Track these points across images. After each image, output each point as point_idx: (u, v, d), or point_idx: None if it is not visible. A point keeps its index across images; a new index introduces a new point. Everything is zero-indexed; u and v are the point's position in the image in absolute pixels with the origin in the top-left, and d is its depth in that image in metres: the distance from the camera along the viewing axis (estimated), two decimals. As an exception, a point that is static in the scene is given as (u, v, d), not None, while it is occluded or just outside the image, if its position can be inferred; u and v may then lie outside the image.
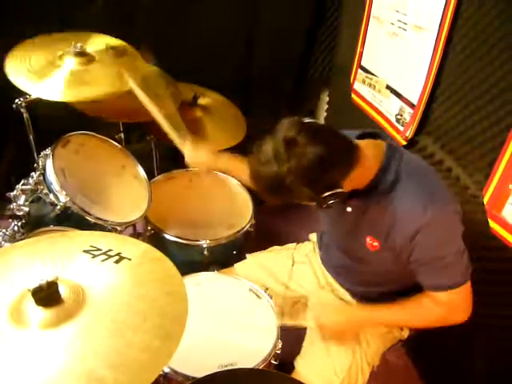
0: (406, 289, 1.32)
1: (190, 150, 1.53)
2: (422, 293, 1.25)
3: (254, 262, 1.65)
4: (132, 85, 1.55)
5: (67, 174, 1.52)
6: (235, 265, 1.66)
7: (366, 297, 1.43)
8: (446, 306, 1.19)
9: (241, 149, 2.01)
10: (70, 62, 1.54)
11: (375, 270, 1.33)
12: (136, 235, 2.05)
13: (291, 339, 1.39)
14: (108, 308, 0.75)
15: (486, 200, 1.47)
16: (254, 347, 1.30)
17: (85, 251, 0.86)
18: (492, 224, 1.46)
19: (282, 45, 2.37)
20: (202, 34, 2.21)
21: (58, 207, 1.40)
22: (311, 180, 1.01)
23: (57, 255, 0.84)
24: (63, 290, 0.76)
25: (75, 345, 0.70)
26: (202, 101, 2.06)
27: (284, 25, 2.30)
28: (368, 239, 1.24)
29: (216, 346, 1.31)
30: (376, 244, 1.22)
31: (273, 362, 1.29)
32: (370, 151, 1.13)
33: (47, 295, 0.72)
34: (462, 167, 1.59)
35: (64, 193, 1.41)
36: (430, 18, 1.61)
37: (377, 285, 1.39)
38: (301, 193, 1.02)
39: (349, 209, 1.27)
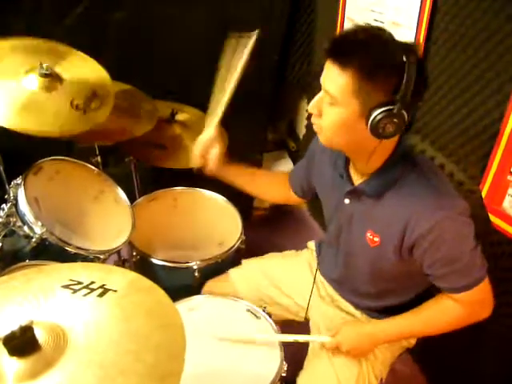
0: (407, 300, 1.27)
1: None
2: (438, 295, 1.19)
3: (250, 268, 1.58)
4: None
5: (41, 203, 1.42)
6: (230, 271, 1.59)
7: (369, 309, 1.36)
8: (468, 304, 1.13)
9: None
10: (33, 83, 1.41)
11: (374, 273, 1.24)
12: (121, 262, 1.94)
13: (292, 353, 1.31)
14: (94, 350, 0.65)
15: (484, 194, 1.42)
16: (259, 373, 1.21)
17: (64, 286, 0.77)
18: (493, 218, 1.41)
19: (257, 54, 2.32)
20: (176, 51, 2.15)
21: (34, 239, 1.29)
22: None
23: (32, 294, 0.75)
24: (40, 335, 0.65)
25: (58, 398, 0.60)
26: (180, 117, 1.99)
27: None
28: (368, 234, 1.17)
29: (217, 374, 1.22)
30: (377, 239, 1.15)
31: (279, 385, 1.21)
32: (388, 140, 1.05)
33: (22, 343, 0.62)
34: (454, 163, 1.55)
35: (39, 223, 1.31)
36: (407, 14, 1.58)
37: (377, 295, 1.32)
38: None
39: (346, 201, 1.21)
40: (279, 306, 1.50)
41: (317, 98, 1.05)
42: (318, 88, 1.06)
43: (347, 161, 1.20)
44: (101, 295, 0.75)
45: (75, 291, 0.76)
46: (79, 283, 0.78)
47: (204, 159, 1.37)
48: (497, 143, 1.35)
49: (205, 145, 1.36)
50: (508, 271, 1.43)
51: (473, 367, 1.68)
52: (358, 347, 1.25)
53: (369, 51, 0.95)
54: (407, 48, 0.96)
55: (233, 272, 1.58)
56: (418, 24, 1.53)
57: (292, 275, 1.52)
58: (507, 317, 1.45)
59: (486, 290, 1.13)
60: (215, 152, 1.36)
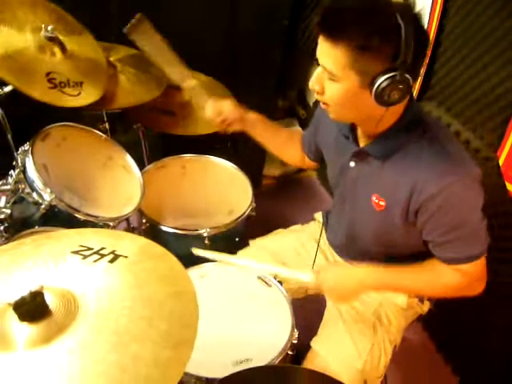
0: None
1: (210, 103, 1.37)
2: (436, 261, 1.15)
3: (258, 249, 1.55)
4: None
5: (50, 170, 1.40)
6: (238, 253, 1.56)
7: None
8: (464, 276, 1.11)
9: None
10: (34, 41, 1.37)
11: (379, 238, 1.22)
12: (131, 230, 1.94)
13: (306, 317, 1.32)
14: (106, 316, 0.64)
15: (501, 162, 1.38)
16: (269, 339, 1.21)
17: (74, 252, 0.75)
18: (510, 187, 1.38)
19: (267, 20, 2.25)
20: (184, 16, 2.09)
21: (43, 206, 1.28)
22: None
23: (42, 259, 0.73)
24: (51, 300, 0.64)
25: (71, 364, 0.59)
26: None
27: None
28: (374, 198, 1.14)
29: (228, 341, 1.21)
30: (383, 203, 1.12)
31: (289, 352, 1.20)
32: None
33: (32, 308, 0.61)
34: (471, 130, 1.51)
35: (48, 190, 1.29)
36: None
37: (382, 260, 1.28)
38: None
39: (352, 163, 1.18)
40: (288, 282, 1.48)
41: (315, 74, 1.01)
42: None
43: (352, 124, 1.17)
44: (112, 261, 0.74)
45: (85, 257, 0.74)
46: (89, 249, 0.76)
47: (221, 117, 1.36)
48: (516, 109, 1.31)
49: (214, 112, 1.34)
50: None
51: (480, 335, 1.69)
52: (340, 288, 1.20)
53: (359, 20, 0.90)
54: (401, 9, 0.90)
55: (241, 253, 1.55)
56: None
57: (298, 251, 1.51)
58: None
59: (482, 266, 1.11)
60: (228, 105, 1.34)
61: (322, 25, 0.94)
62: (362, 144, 1.15)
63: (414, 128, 1.06)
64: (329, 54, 0.94)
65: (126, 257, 0.75)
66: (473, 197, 1.04)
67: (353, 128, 1.17)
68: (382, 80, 0.92)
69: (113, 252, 0.76)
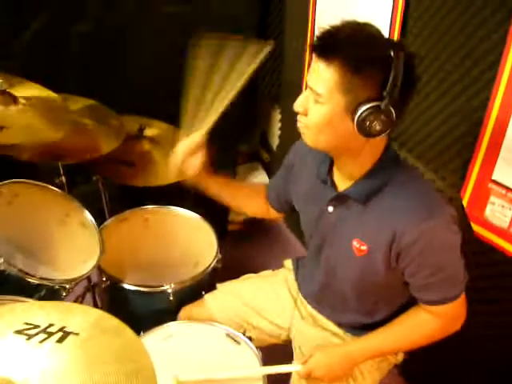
0: (391, 315, 1.23)
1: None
2: (413, 308, 1.16)
3: (226, 292, 1.50)
4: None
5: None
6: (205, 296, 1.51)
7: (352, 326, 1.30)
8: (444, 317, 1.12)
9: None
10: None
11: (359, 286, 1.19)
12: (91, 287, 1.84)
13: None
14: (51, 409, 0.57)
15: (465, 202, 1.39)
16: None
17: (17, 332, 0.67)
18: (475, 227, 1.38)
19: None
20: (142, 64, 2.09)
21: (-9, 272, 1.19)
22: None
23: (-20, 343, 0.65)
24: (-13, 394, 0.57)
25: None
26: (148, 132, 1.91)
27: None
28: (355, 242, 1.11)
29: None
30: (364, 248, 1.09)
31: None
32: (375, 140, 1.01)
33: (-37, 408, 0.54)
34: (433, 171, 1.52)
35: (-4, 254, 1.21)
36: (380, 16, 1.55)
37: (360, 310, 1.26)
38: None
39: (330, 209, 1.15)
40: (259, 330, 1.42)
41: (302, 95, 1.02)
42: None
43: (331, 167, 1.16)
44: (60, 340, 0.66)
45: (30, 337, 0.67)
46: (35, 327, 0.69)
47: (185, 166, 1.27)
48: (476, 151, 1.32)
49: (189, 150, 1.25)
50: (490, 279, 1.41)
51: (459, 377, 1.65)
52: (332, 371, 1.20)
53: (354, 45, 0.92)
54: (395, 43, 0.94)
55: (208, 297, 1.50)
56: (390, 23, 1.52)
57: (270, 297, 1.45)
58: (487, 326, 1.44)
59: (462, 303, 1.11)
60: (199, 159, 1.27)
61: (317, 45, 0.96)
62: (340, 188, 1.14)
63: (391, 169, 1.06)
64: (320, 75, 0.95)
65: (76, 334, 0.68)
66: (452, 238, 1.04)
67: (330, 173, 1.16)
68: (366, 107, 0.92)
69: (62, 329, 0.68)
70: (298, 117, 1.04)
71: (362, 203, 1.08)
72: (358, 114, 0.93)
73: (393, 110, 0.92)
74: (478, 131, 1.30)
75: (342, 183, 1.13)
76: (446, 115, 1.42)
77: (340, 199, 1.13)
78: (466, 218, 1.38)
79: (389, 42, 0.95)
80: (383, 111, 0.92)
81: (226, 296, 1.48)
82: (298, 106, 1.03)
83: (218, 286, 1.54)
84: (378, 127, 0.93)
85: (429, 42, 1.41)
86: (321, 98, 0.96)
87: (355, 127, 0.95)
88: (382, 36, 0.95)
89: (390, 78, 0.89)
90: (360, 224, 1.10)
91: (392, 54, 0.89)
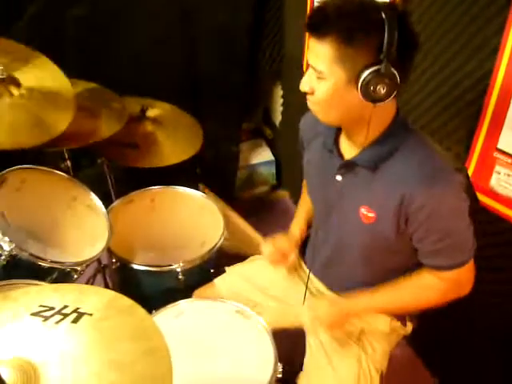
0: None
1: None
2: (419, 270, 1.15)
3: (235, 275, 1.51)
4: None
5: (9, 217, 1.32)
6: (215, 280, 1.52)
7: None
8: (452, 282, 1.11)
9: (200, 157, 1.88)
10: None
11: (366, 255, 1.20)
12: (102, 269, 1.87)
13: (290, 354, 1.27)
14: (71, 388, 0.59)
15: (470, 172, 1.39)
16: (253, 376, 1.17)
17: (33, 314, 0.69)
18: (480, 197, 1.38)
19: (227, 43, 2.25)
20: (141, 43, 2.08)
21: (3, 257, 1.21)
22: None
23: (-2, 327, 0.67)
24: (8, 375, 0.58)
25: None
26: (150, 113, 1.91)
27: (225, 22, 2.18)
28: (362, 210, 1.11)
29: (210, 381, 1.16)
30: (372, 215, 1.10)
31: (275, 387, 1.16)
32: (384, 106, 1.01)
33: (-14, 388, 0.55)
34: (437, 142, 1.50)
35: (7, 239, 1.22)
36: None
37: (366, 281, 1.25)
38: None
39: (338, 177, 1.16)
40: (269, 310, 1.44)
41: (305, 75, 1.03)
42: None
43: (337, 136, 1.16)
44: (75, 321, 0.68)
45: (46, 318, 0.68)
46: (51, 309, 0.71)
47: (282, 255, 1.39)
48: (481, 120, 1.31)
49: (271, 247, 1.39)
50: (496, 248, 1.41)
51: (466, 345, 1.67)
52: (333, 318, 1.22)
53: (343, 16, 0.92)
54: (385, 6, 0.93)
55: (218, 281, 1.51)
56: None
57: (278, 277, 1.46)
58: (493, 294, 1.45)
59: (470, 269, 1.11)
60: (283, 242, 1.41)
61: (309, 24, 0.97)
62: (347, 157, 1.14)
63: (400, 135, 1.06)
64: (317, 52, 0.96)
65: (90, 314, 0.70)
66: (460, 204, 1.04)
67: (336, 141, 1.16)
68: (366, 73, 0.93)
69: (76, 310, 0.70)
70: (307, 96, 1.05)
71: (370, 170, 1.08)
72: (361, 81, 0.94)
73: (395, 72, 0.92)
74: (483, 101, 1.28)
75: (350, 151, 1.13)
76: (451, 85, 1.40)
77: (348, 167, 1.13)
78: (471, 188, 1.38)
79: (379, 5, 0.93)
80: (385, 74, 0.92)
81: (235, 278, 1.50)
82: (303, 85, 1.03)
83: (227, 269, 1.55)
84: (382, 91, 0.94)
85: (431, 9, 1.39)
86: (322, 74, 0.97)
87: (360, 95, 0.95)
88: (371, 1, 0.95)
89: (385, 40, 0.90)
90: (368, 191, 1.10)
91: (383, 16, 0.89)
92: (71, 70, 1.59)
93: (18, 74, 1.44)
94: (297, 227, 1.46)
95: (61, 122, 1.41)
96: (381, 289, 1.18)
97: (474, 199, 1.37)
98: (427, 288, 1.15)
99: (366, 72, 0.93)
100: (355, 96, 0.96)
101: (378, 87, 0.93)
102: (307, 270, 1.43)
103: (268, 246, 1.39)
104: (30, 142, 1.34)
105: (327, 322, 1.22)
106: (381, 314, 1.29)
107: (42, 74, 1.49)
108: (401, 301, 1.20)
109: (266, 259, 1.40)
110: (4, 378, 0.57)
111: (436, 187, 1.00)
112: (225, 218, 1.52)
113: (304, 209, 1.48)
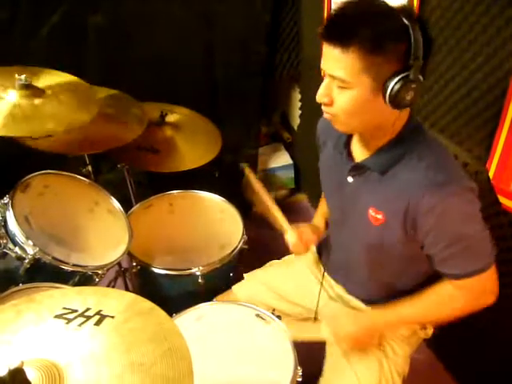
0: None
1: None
2: (441, 281, 1.12)
3: (253, 281, 1.52)
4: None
5: (33, 221, 1.36)
6: (233, 287, 1.52)
7: (379, 303, 1.30)
8: (471, 291, 1.08)
9: (219, 161, 1.89)
10: (13, 96, 1.36)
11: (375, 258, 1.19)
12: (122, 272, 1.89)
13: (309, 359, 1.26)
14: (94, 389, 0.60)
15: (491, 175, 1.37)
16: (273, 380, 1.16)
17: (57, 316, 0.71)
18: (502, 199, 1.36)
19: (245, 47, 2.26)
20: (160, 50, 2.10)
21: (27, 261, 1.23)
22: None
23: (22, 328, 0.69)
24: (34, 376, 0.60)
25: None
26: (170, 118, 1.93)
27: (243, 26, 2.19)
28: (371, 211, 1.10)
29: (230, 385, 1.17)
30: (380, 217, 1.09)
31: (295, 391, 1.16)
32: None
33: (12, 388, 0.57)
34: (457, 144, 1.49)
35: (31, 243, 1.25)
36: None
37: (381, 285, 1.26)
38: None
39: (350, 179, 1.16)
40: (288, 315, 1.44)
41: (323, 86, 0.99)
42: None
43: (348, 139, 1.16)
44: (98, 323, 0.70)
45: (69, 321, 0.70)
46: (73, 311, 0.72)
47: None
48: (501, 121, 1.29)
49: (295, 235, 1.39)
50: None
51: (488, 349, 1.64)
52: (357, 339, 1.20)
53: (367, 24, 0.90)
54: (404, 11, 0.92)
55: (236, 288, 1.52)
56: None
57: (295, 282, 1.47)
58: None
59: (491, 277, 1.07)
60: (308, 231, 1.42)
61: (329, 32, 0.93)
62: (358, 159, 1.14)
63: (412, 140, 1.05)
64: (339, 61, 0.92)
65: (112, 317, 0.71)
66: (470, 208, 1.02)
67: (348, 143, 1.16)
68: (395, 81, 0.92)
69: (98, 312, 0.71)
70: (323, 107, 1.02)
71: (379, 173, 1.08)
72: (390, 89, 0.92)
73: (421, 77, 0.92)
74: (503, 102, 1.27)
75: (361, 154, 1.13)
76: (470, 86, 1.38)
77: (358, 169, 1.13)
78: (492, 191, 1.36)
79: (398, 11, 0.91)
80: (413, 80, 0.91)
81: (253, 285, 1.50)
82: (321, 96, 1.00)
83: (245, 275, 1.55)
84: (409, 97, 0.93)
85: (450, 10, 1.38)
86: (346, 84, 0.94)
87: (388, 102, 0.94)
88: (390, 7, 0.93)
89: (412, 46, 0.89)
90: (376, 193, 1.10)
91: (406, 22, 0.89)
92: (92, 77, 1.62)
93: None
94: (320, 218, 1.48)
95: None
96: (403, 302, 1.16)
97: (494, 202, 1.35)
98: (448, 300, 1.11)
99: (395, 79, 0.91)
100: (380, 103, 0.95)
101: (406, 94, 0.92)
102: (323, 271, 1.43)
103: (293, 235, 1.38)
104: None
105: (351, 344, 1.21)
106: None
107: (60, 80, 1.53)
108: (423, 315, 1.18)
109: (290, 248, 1.40)
110: (29, 378, 0.59)
111: (443, 191, 0.98)
112: (259, 202, 1.50)
113: (324, 209, 1.49)
